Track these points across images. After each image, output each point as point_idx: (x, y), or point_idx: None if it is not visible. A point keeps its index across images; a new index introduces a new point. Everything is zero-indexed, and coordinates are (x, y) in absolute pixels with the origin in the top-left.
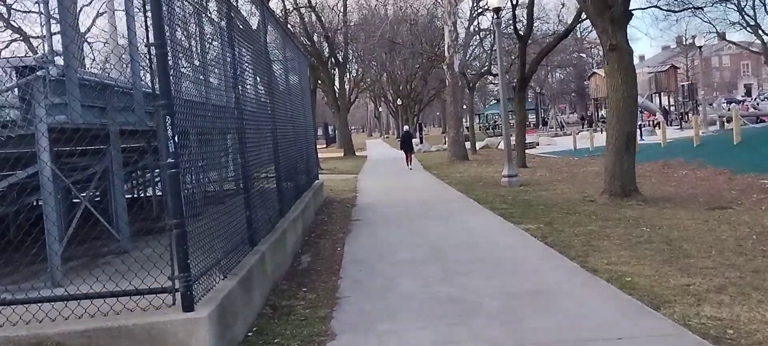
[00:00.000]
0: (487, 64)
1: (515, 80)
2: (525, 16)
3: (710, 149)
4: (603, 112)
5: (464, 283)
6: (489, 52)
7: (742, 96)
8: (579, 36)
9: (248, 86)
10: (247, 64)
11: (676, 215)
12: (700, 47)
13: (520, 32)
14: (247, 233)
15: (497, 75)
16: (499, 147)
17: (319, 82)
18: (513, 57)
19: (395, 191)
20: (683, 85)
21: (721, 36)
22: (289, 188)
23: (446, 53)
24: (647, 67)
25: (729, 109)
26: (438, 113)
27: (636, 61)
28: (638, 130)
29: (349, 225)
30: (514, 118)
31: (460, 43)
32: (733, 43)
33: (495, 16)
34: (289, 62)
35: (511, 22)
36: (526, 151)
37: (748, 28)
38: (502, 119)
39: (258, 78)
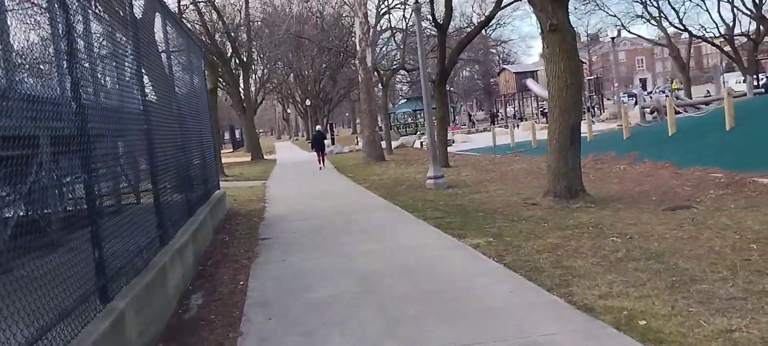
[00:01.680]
0: (397, 60)
1: (434, 74)
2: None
3: (643, 141)
4: (511, 108)
5: (418, 339)
6: (402, 46)
7: (637, 89)
8: (484, 33)
9: (100, 71)
10: (97, 40)
11: (639, 219)
12: (614, 38)
13: (439, 21)
14: (94, 285)
15: (411, 70)
16: (414, 146)
17: (222, 82)
18: (428, 50)
19: (309, 198)
20: (590, 80)
21: (622, 30)
22: (174, 205)
23: (358, 47)
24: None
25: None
26: (347, 114)
27: (535, 58)
28: None
29: (255, 246)
30: (434, 115)
31: (371, 37)
32: (643, 38)
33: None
34: (176, 50)
35: (427, 12)
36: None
37: (651, 21)
38: (426, 114)
39: (122, 62)
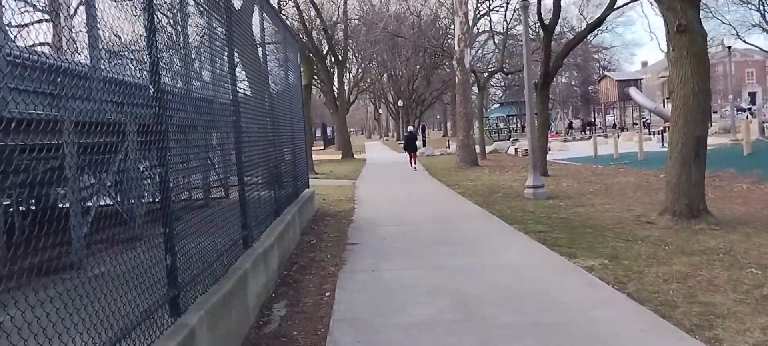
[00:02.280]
0: (493, 63)
1: (537, 78)
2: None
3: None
4: (610, 117)
5: None
6: (502, 48)
7: (748, 104)
8: (586, 38)
9: (185, 57)
10: (186, 25)
11: None
12: (730, 48)
13: (545, 22)
14: (164, 297)
15: (509, 73)
16: (508, 152)
17: (317, 79)
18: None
19: (400, 202)
20: None
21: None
22: (261, 204)
23: (456, 47)
24: (648, 73)
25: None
26: (438, 117)
27: (637, 67)
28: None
29: (343, 252)
30: (525, 121)
31: (469, 38)
32: (760, 49)
33: None
34: (273, 43)
35: (533, 12)
36: None
37: None
38: (528, 119)
39: (213, 51)
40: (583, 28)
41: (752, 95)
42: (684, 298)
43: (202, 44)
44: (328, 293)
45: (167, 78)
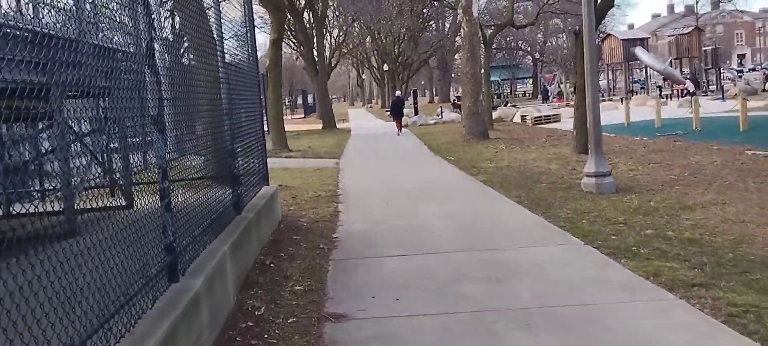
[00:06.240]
0: (487, 18)
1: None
2: None
3: None
4: (605, 80)
5: None
6: None
7: (738, 67)
8: None
9: None
10: None
11: None
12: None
13: None
14: None
15: (519, 27)
16: (514, 120)
17: (294, 41)
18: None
19: (404, 198)
20: (706, 50)
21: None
22: (113, 276)
23: None
24: (659, 31)
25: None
26: (423, 82)
27: (623, 27)
28: (688, 94)
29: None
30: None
31: None
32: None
33: None
34: None
35: None
36: (551, 126)
37: None
38: (588, 78)
39: None
40: None
41: (741, 57)
42: None
43: None
44: None
45: None
